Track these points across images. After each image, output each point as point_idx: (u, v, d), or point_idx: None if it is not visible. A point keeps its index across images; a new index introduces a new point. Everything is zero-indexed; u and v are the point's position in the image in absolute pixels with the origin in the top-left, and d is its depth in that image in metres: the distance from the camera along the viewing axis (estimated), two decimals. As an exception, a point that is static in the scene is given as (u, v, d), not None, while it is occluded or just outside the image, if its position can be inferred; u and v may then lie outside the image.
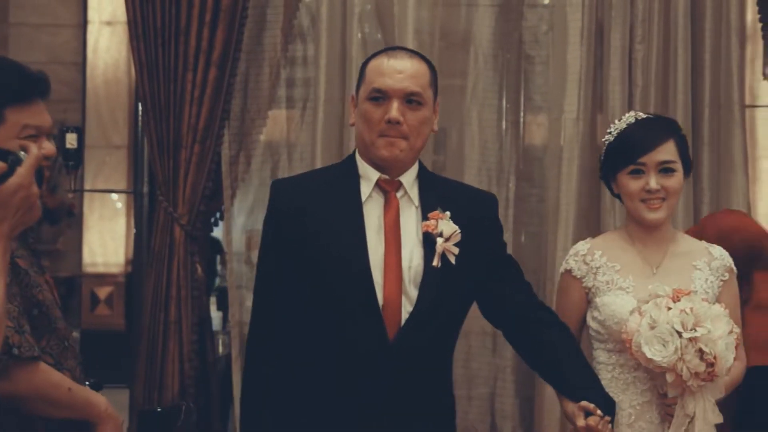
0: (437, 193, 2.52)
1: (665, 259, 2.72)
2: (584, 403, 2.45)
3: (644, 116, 2.74)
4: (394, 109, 2.41)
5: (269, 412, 2.45)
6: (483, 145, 4.09)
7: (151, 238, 4.04)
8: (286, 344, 2.46)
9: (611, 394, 2.62)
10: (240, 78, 4.05)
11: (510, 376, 4.07)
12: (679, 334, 2.46)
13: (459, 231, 2.44)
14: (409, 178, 2.50)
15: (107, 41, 6.49)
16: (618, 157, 2.69)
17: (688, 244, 2.79)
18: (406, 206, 2.49)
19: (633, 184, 2.65)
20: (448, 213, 2.46)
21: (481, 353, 4.09)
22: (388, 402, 2.40)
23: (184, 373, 3.92)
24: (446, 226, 2.43)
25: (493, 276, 2.55)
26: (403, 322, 2.40)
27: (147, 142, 4.05)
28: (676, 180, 2.65)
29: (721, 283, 2.73)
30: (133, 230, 5.70)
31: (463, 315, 2.56)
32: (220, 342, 4.35)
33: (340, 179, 2.51)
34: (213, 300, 5.11)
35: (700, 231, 3.29)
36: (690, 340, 2.46)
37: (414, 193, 2.50)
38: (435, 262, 2.41)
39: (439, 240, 2.41)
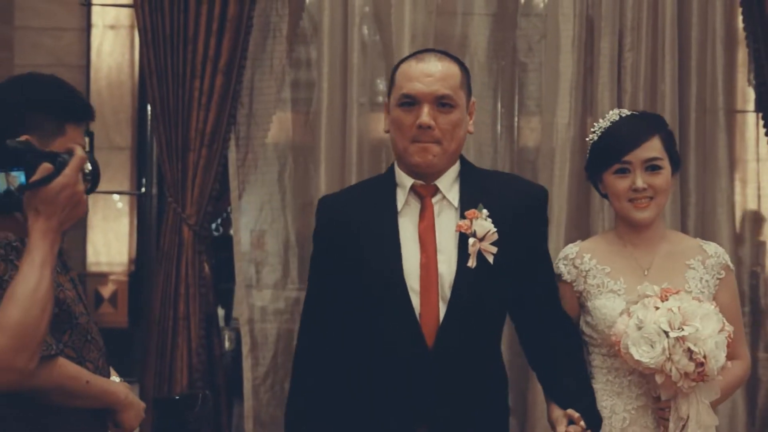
0: (480, 189, 2.48)
1: (657, 259, 2.68)
2: (570, 411, 2.45)
3: (628, 113, 2.72)
4: (425, 114, 2.40)
5: (314, 423, 2.51)
6: (478, 148, 4.31)
7: (159, 238, 4.26)
8: (333, 357, 2.51)
9: (606, 399, 2.63)
10: (246, 83, 4.27)
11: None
12: (666, 333, 2.44)
13: (494, 230, 2.42)
14: (446, 181, 2.49)
15: (111, 45, 6.69)
16: (603, 157, 2.67)
17: (681, 242, 2.75)
18: (444, 209, 2.48)
19: (619, 184, 2.63)
20: (485, 211, 2.43)
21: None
22: (432, 408, 2.41)
23: (192, 366, 4.14)
24: (480, 225, 2.41)
25: (525, 271, 2.51)
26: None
27: (156, 145, 4.27)
28: (663, 177, 2.63)
29: (717, 281, 2.69)
30: (136, 230, 5.94)
31: (504, 313, 2.55)
32: (226, 337, 4.58)
33: (379, 190, 2.52)
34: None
35: None
36: (677, 339, 2.43)
37: (453, 194, 2.49)
38: (470, 263, 2.39)
39: (472, 240, 2.40)
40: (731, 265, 2.75)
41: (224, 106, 4.18)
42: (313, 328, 2.55)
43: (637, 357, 2.45)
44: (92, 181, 2.04)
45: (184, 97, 4.15)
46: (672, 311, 2.45)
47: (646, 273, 2.67)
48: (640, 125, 2.67)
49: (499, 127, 4.36)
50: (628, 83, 4.24)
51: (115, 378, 2.50)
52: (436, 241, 2.43)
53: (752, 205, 4.54)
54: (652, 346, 2.44)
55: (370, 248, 2.44)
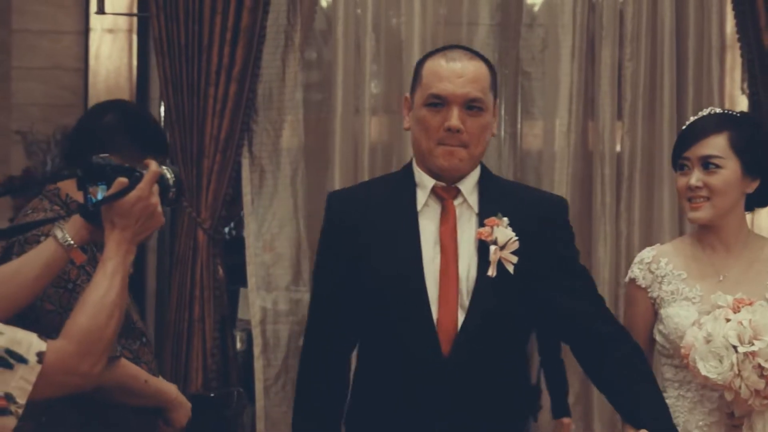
0: (499, 197, 2.41)
1: (737, 265, 2.55)
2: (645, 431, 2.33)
3: (717, 111, 2.61)
4: (455, 117, 2.31)
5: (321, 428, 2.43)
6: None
7: (174, 241, 4.44)
8: (342, 359, 2.45)
9: (678, 414, 2.51)
10: (259, 90, 4.44)
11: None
12: (735, 348, 2.31)
13: (515, 238, 2.33)
14: (468, 185, 2.40)
15: (109, 48, 6.82)
16: (673, 152, 2.61)
17: (765, 248, 2.60)
18: (465, 214, 2.39)
19: (679, 181, 2.56)
20: (505, 219, 2.35)
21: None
22: (447, 417, 2.34)
23: (207, 367, 4.32)
24: (501, 233, 2.34)
25: (561, 286, 2.40)
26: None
27: (171, 152, 4.45)
28: (719, 177, 2.49)
29: None
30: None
31: (528, 324, 2.48)
32: (238, 338, 4.76)
33: (396, 189, 2.43)
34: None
35: None
36: (746, 354, 2.30)
37: (473, 199, 2.40)
38: (490, 272, 2.31)
39: (492, 248, 2.32)
40: None
41: (238, 113, 4.36)
42: (321, 329, 2.46)
43: (704, 372, 2.33)
44: (176, 194, 2.14)
45: (199, 104, 4.33)
46: (742, 324, 2.31)
47: (721, 279, 2.53)
48: (708, 121, 2.55)
49: (502, 133, 4.57)
50: (628, 91, 4.47)
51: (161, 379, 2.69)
52: (457, 246, 2.35)
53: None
54: (720, 361, 2.31)
55: (387, 248, 2.35)
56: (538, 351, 3.77)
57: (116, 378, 2.42)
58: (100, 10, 4.67)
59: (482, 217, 2.38)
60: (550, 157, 4.49)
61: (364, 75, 4.44)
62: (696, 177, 2.51)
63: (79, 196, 2.32)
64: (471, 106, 2.34)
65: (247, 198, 4.44)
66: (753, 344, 2.30)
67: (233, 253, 4.65)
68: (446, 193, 2.41)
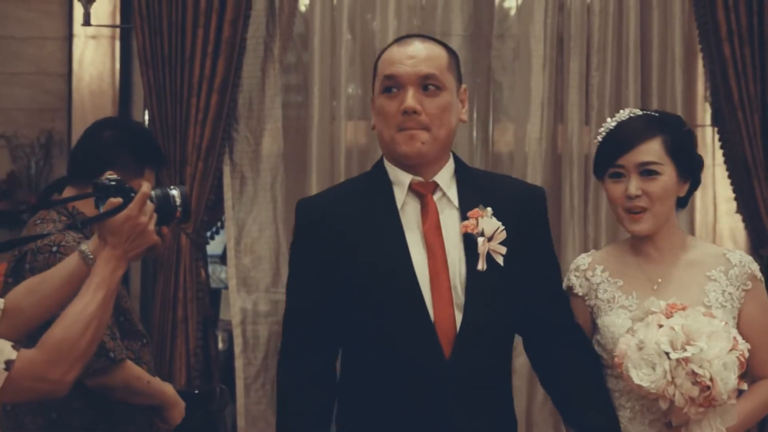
0: (478, 188, 2.33)
1: (674, 270, 2.49)
2: None
3: (638, 113, 2.53)
4: (410, 98, 2.23)
5: None
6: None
7: (158, 246, 4.65)
8: (324, 369, 2.34)
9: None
10: (240, 100, 4.66)
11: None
12: (667, 354, 2.25)
13: (503, 228, 2.26)
14: (444, 177, 2.32)
15: (92, 54, 7.01)
16: (600, 159, 2.51)
17: (703, 251, 2.53)
18: (445, 209, 2.31)
19: (614, 189, 2.47)
20: (489, 209, 2.28)
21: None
22: (450, 422, 2.26)
23: (191, 366, 4.53)
24: (488, 224, 2.26)
25: (534, 277, 2.36)
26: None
27: (155, 159, 4.66)
28: (659, 184, 2.42)
29: (743, 293, 2.48)
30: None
31: (518, 321, 2.39)
32: (219, 338, 4.98)
33: (371, 189, 2.34)
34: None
35: None
36: (679, 360, 2.24)
37: (452, 192, 2.32)
38: (480, 266, 2.24)
39: (480, 240, 2.25)
40: (759, 275, 2.52)
41: (219, 122, 4.57)
42: (299, 339, 2.35)
43: (637, 381, 2.26)
44: (183, 213, 2.23)
45: (182, 113, 4.54)
46: (674, 330, 2.26)
47: (655, 287, 2.47)
48: (641, 125, 2.47)
49: (474, 141, 4.81)
50: (595, 100, 4.72)
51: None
52: (444, 243, 2.27)
53: (710, 214, 5.03)
54: (653, 369, 2.25)
55: (372, 251, 2.26)
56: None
57: (123, 378, 2.65)
58: (86, 22, 4.87)
59: (463, 210, 2.30)
60: (522, 160, 4.74)
61: (340, 83, 4.67)
62: (634, 185, 2.42)
63: (84, 208, 2.54)
64: (427, 85, 2.26)
65: (228, 204, 4.66)
66: (686, 350, 2.23)
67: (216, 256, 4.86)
68: (424, 188, 2.31)
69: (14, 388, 2.03)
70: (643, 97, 4.72)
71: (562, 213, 4.70)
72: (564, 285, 2.55)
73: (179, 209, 2.23)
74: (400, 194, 2.32)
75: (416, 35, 2.43)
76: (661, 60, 4.72)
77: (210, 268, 4.84)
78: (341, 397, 2.38)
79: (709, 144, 4.92)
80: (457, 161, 2.39)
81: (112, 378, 2.62)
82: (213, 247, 4.97)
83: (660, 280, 2.48)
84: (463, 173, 2.36)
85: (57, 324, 2.11)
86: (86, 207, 2.56)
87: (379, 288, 2.27)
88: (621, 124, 2.50)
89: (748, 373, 2.40)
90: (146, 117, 4.81)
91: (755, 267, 2.52)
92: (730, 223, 4.94)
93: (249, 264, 4.74)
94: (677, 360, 2.24)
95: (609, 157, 2.48)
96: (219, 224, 4.80)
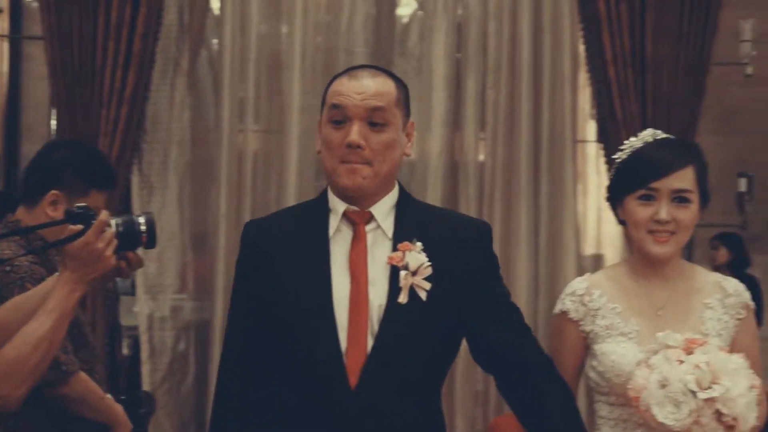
0: (417, 222, 2.33)
1: (673, 297, 2.46)
2: None
3: (663, 136, 2.50)
4: (354, 132, 2.24)
5: None
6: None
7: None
8: (254, 392, 2.36)
9: None
10: (149, 112, 4.83)
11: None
12: (694, 393, 2.21)
13: (428, 264, 2.26)
14: (382, 209, 2.32)
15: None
16: (628, 179, 2.45)
17: (700, 278, 2.51)
18: (378, 239, 2.32)
19: (641, 212, 2.41)
20: (419, 244, 2.28)
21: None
22: None
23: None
24: (413, 258, 2.27)
25: (484, 316, 2.33)
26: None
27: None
28: (689, 212, 2.41)
29: (737, 321, 2.47)
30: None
31: (445, 354, 2.35)
32: (125, 344, 5.13)
33: (310, 215, 2.37)
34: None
35: None
36: (706, 401, 2.20)
37: (388, 224, 2.32)
38: (401, 298, 2.25)
39: (403, 273, 2.26)
40: (752, 304, 2.52)
41: (128, 133, 4.71)
42: (234, 360, 2.38)
43: (661, 419, 2.22)
44: (149, 238, 2.33)
45: (92, 125, 4.67)
46: (700, 368, 2.22)
47: (659, 313, 2.44)
48: (675, 151, 2.44)
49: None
50: (490, 116, 5.04)
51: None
52: (368, 272, 2.28)
53: (594, 220, 5.41)
54: (677, 407, 2.21)
55: (297, 275, 2.29)
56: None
57: (79, 391, 2.76)
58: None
59: (396, 242, 2.29)
60: (422, 172, 5.05)
61: (247, 97, 4.89)
62: (666, 211, 2.39)
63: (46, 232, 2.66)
64: (373, 122, 2.26)
65: (136, 213, 4.80)
66: (712, 389, 2.21)
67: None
68: (358, 218, 2.32)
69: None
70: (535, 114, 5.06)
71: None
72: (557, 309, 2.52)
73: (144, 234, 2.34)
74: (334, 221, 2.32)
75: (369, 66, 2.42)
76: (552, 79, 5.07)
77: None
78: (256, 420, 2.37)
79: (594, 158, 5.31)
80: (402, 193, 2.38)
81: (68, 389, 2.74)
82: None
83: (663, 307, 2.45)
84: (404, 206, 2.34)
85: (10, 343, 2.25)
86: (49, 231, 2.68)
87: (297, 315, 2.28)
88: (653, 145, 2.46)
89: None
90: (54, 129, 4.92)
91: (748, 296, 2.51)
92: (610, 229, 5.34)
93: (155, 271, 4.90)
94: (704, 400, 2.20)
95: (642, 179, 2.42)
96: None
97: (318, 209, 2.37)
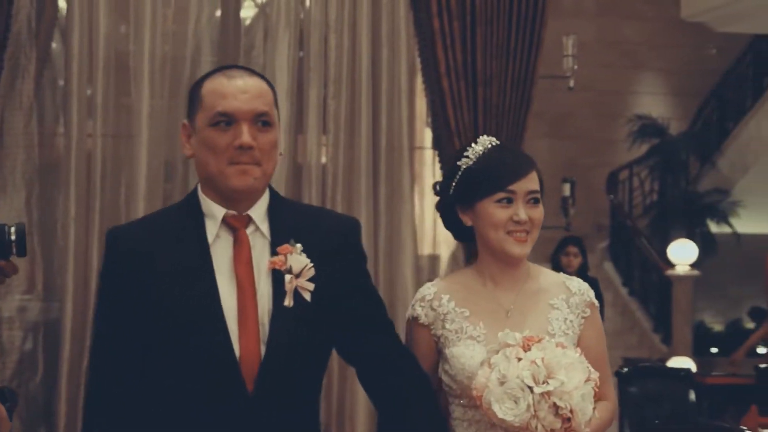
0: (292, 223, 2.33)
1: (519, 298, 2.53)
2: None
3: (499, 143, 2.57)
4: (245, 134, 2.22)
5: None
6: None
7: None
8: (133, 408, 2.30)
9: None
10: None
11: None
12: (531, 388, 2.28)
13: (311, 265, 2.28)
14: (260, 212, 2.31)
15: None
16: (483, 183, 2.49)
17: (545, 279, 2.58)
18: (258, 243, 2.30)
19: (500, 213, 2.47)
20: (299, 246, 2.29)
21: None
22: None
23: (-54, 373, 4.80)
24: (296, 260, 2.28)
25: (351, 311, 2.36)
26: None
27: None
28: (541, 211, 2.50)
29: (582, 320, 2.54)
30: None
31: (327, 353, 2.41)
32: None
33: (182, 221, 2.31)
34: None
35: None
36: (542, 395, 2.28)
37: (266, 226, 2.31)
38: (287, 302, 2.27)
39: (288, 277, 2.27)
40: (596, 302, 2.59)
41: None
42: (106, 375, 2.31)
43: (501, 415, 2.29)
44: (18, 248, 2.26)
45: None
46: (536, 363, 2.30)
47: (508, 315, 2.51)
48: (522, 155, 2.55)
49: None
50: (332, 123, 5.36)
51: None
52: (254, 278, 2.28)
53: (430, 222, 5.79)
54: (516, 403, 2.29)
55: (180, 285, 2.25)
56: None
57: None
58: None
59: (275, 245, 2.28)
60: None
61: (96, 105, 5.08)
62: (523, 211, 2.46)
63: None
64: (262, 121, 2.26)
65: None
66: (548, 383, 2.28)
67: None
68: (237, 222, 2.28)
69: None
70: (374, 122, 5.41)
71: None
72: (408, 315, 2.57)
73: (14, 243, 2.30)
74: (213, 227, 2.29)
75: (238, 67, 2.39)
76: (390, 90, 5.43)
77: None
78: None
79: (430, 164, 5.69)
80: (273, 194, 2.37)
81: None
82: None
83: (512, 308, 2.51)
84: (277, 207, 2.34)
85: None
86: None
87: (185, 324, 2.24)
88: (498, 152, 2.53)
89: None
90: None
91: (592, 294, 2.58)
92: (445, 230, 5.71)
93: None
94: (540, 394, 2.28)
95: (499, 182, 2.47)
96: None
97: (189, 215, 2.31)
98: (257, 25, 5.43)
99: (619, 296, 10.15)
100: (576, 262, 6.40)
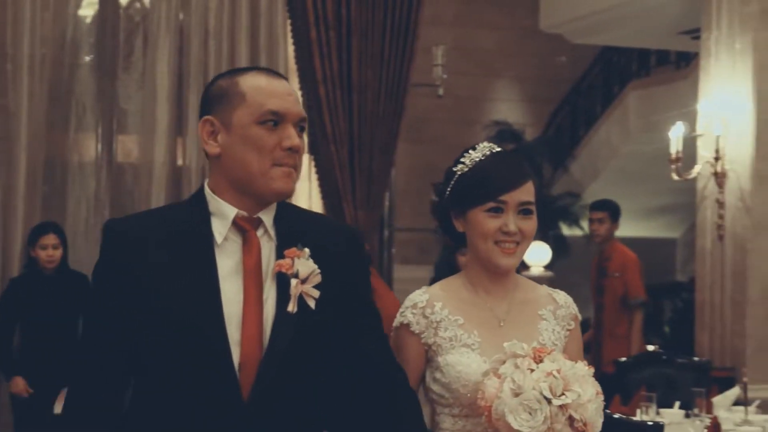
0: (296, 227, 2.27)
1: (511, 308, 2.53)
2: None
3: (499, 149, 2.54)
4: (295, 136, 2.18)
5: None
6: (83, 180, 5.40)
7: None
8: (116, 398, 2.26)
9: None
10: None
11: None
12: (549, 400, 2.28)
13: (318, 271, 2.22)
14: (270, 215, 2.24)
15: None
16: (474, 192, 2.47)
17: (533, 290, 2.59)
18: (266, 246, 2.23)
19: (490, 223, 2.45)
20: (306, 250, 2.22)
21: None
22: None
23: None
24: (303, 265, 2.22)
25: (349, 323, 2.31)
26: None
27: None
28: (533, 223, 2.48)
29: (567, 332, 2.55)
30: None
31: (327, 361, 2.32)
32: None
33: (188, 219, 2.23)
34: None
35: None
36: (560, 407, 2.28)
37: (273, 229, 2.25)
38: (290, 307, 2.20)
39: (294, 281, 2.20)
40: (579, 315, 2.62)
41: None
42: (97, 375, 2.24)
43: (516, 426, 2.28)
44: None
45: None
46: (554, 376, 2.30)
47: (501, 324, 2.51)
48: (519, 165, 2.50)
49: (104, 167, 5.46)
50: (213, 129, 5.51)
51: None
52: (263, 282, 2.22)
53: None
54: (532, 414, 2.28)
55: (180, 287, 2.17)
56: None
57: None
58: None
59: (281, 249, 2.22)
60: (147, 176, 5.47)
61: (33, 97, 5.18)
62: (513, 222, 2.44)
63: None
64: (300, 126, 2.21)
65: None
66: (565, 396, 2.28)
67: None
68: (248, 224, 2.21)
69: None
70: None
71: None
72: (397, 322, 2.53)
73: None
74: (221, 228, 2.21)
75: (266, 69, 2.33)
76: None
77: None
78: None
79: (306, 168, 5.89)
80: None
81: None
82: None
83: (505, 317, 2.51)
84: (284, 210, 2.28)
85: None
86: None
87: (184, 329, 2.16)
88: (495, 160, 2.51)
89: None
90: None
91: (576, 307, 2.62)
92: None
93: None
94: (558, 406, 2.27)
95: (491, 191, 2.45)
96: None
97: (197, 213, 2.23)
98: (137, 29, 5.53)
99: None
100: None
